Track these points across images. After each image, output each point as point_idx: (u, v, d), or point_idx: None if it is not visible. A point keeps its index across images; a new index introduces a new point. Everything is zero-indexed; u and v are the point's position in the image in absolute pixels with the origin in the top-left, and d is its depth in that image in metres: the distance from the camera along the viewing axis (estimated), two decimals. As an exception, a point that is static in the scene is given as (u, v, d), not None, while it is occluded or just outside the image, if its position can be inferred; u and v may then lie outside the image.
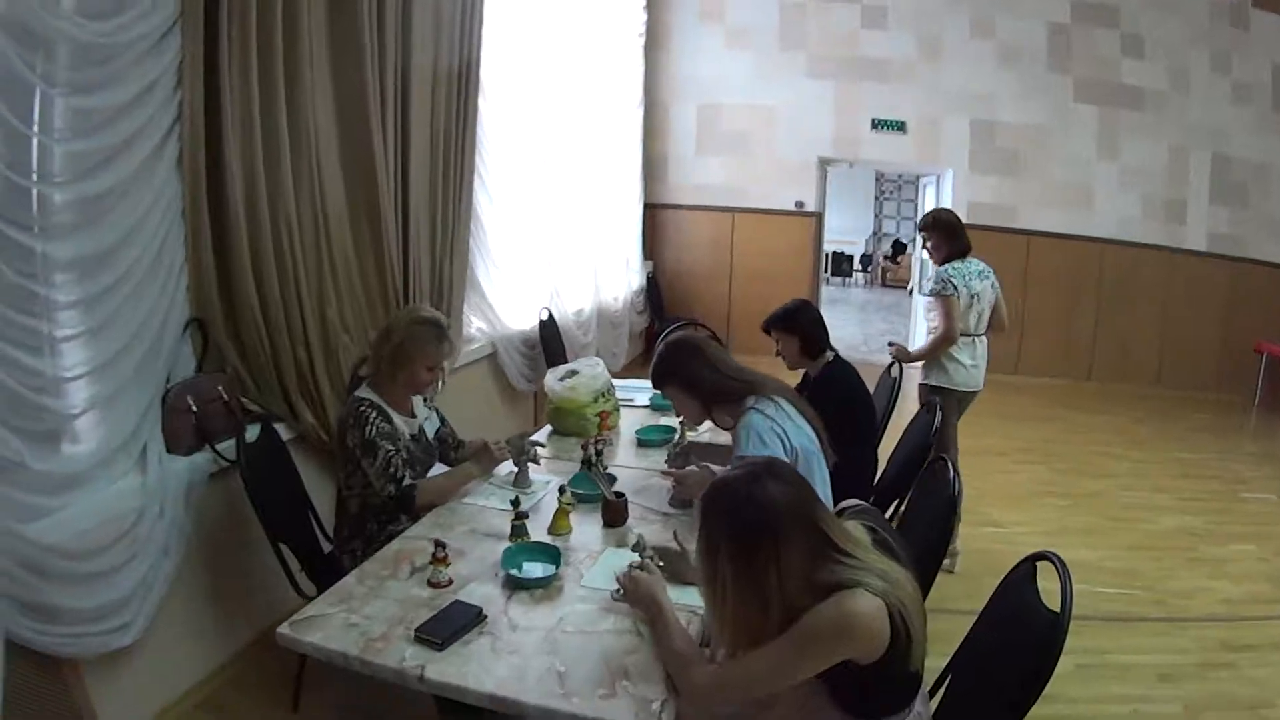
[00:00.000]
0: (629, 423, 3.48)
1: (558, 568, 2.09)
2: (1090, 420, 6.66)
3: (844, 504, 1.89)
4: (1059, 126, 7.39)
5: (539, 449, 2.83)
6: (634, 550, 2.00)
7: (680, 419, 3.22)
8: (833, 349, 3.32)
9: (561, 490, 2.41)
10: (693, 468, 2.67)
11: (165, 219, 2.53)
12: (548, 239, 5.58)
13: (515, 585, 2.01)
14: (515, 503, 2.30)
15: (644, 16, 7.67)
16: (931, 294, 3.86)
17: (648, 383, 4.18)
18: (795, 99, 7.79)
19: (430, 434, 2.78)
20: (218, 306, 2.77)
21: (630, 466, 2.95)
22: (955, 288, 3.77)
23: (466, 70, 4.08)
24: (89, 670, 2.33)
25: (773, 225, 8.08)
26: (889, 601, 1.40)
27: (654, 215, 8.18)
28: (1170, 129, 7.27)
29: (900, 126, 7.69)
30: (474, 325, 4.76)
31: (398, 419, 2.59)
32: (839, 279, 16.41)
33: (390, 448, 2.47)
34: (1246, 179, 7.29)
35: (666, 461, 2.89)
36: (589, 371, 3.40)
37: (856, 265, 16.86)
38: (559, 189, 5.74)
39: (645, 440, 3.23)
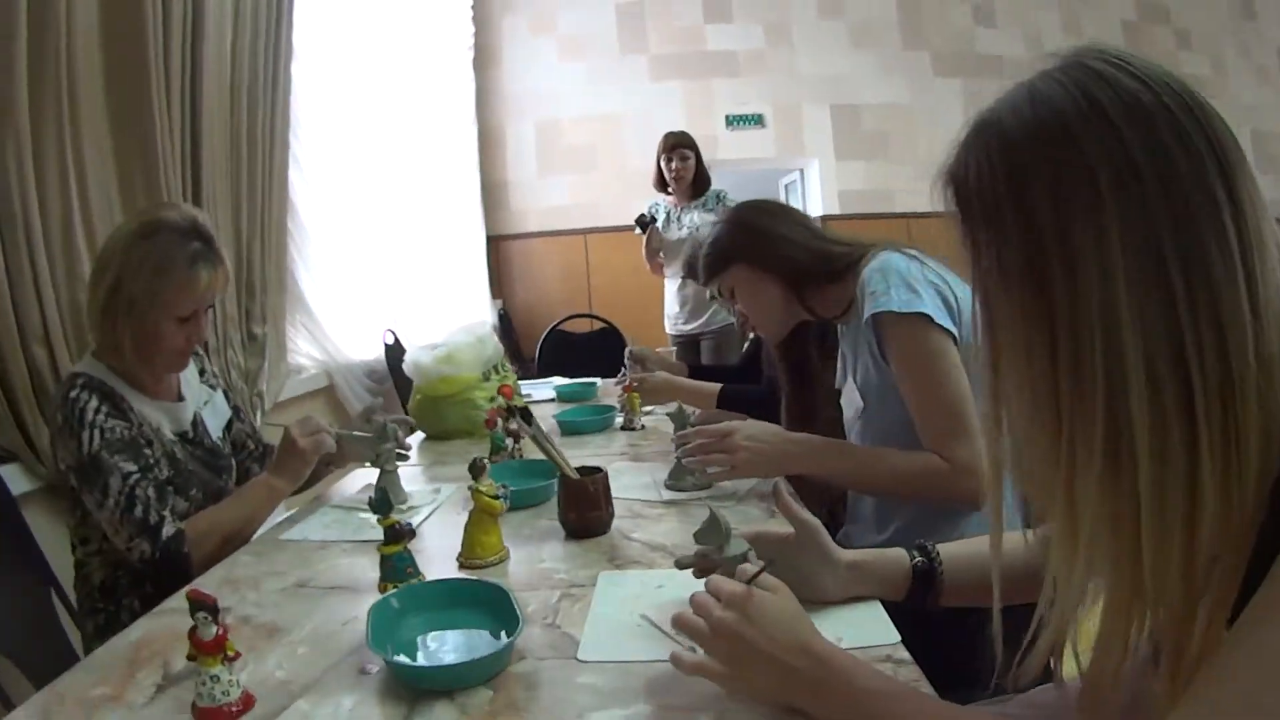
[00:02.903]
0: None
1: (516, 627, 0.90)
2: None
3: None
4: (923, 104, 7.12)
5: (404, 433, 1.65)
6: (682, 567, 1.01)
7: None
8: None
9: (475, 468, 1.25)
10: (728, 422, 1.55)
11: None
12: (388, 266, 4.51)
13: (416, 682, 0.86)
14: (376, 503, 1.15)
15: (472, 30, 6.81)
16: None
17: (542, 381, 3.18)
18: (641, 104, 7.15)
19: (214, 430, 1.61)
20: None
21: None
22: None
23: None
24: None
25: (631, 242, 7.27)
26: None
27: (499, 247, 7.19)
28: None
29: (758, 120, 7.20)
30: (302, 351, 3.56)
31: (145, 407, 1.44)
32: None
33: (131, 468, 1.32)
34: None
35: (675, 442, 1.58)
36: (467, 337, 2.25)
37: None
38: (391, 213, 4.69)
39: (573, 425, 2.15)
